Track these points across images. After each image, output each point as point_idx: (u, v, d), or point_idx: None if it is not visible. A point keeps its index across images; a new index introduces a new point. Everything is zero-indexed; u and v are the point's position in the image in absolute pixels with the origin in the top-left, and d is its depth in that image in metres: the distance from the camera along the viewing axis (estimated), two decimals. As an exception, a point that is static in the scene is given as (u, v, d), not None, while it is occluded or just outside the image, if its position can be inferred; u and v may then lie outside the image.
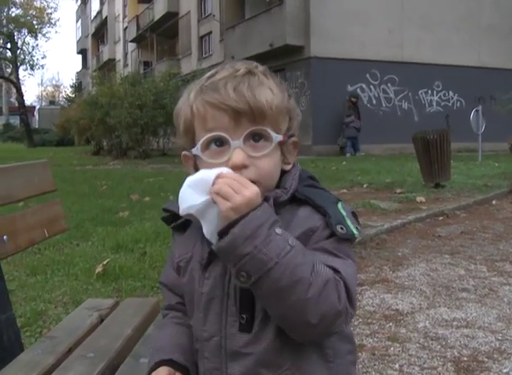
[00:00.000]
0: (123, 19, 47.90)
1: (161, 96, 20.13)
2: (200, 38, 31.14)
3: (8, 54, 48.98)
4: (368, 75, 21.24)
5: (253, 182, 1.06)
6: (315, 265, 1.08)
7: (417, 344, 3.55)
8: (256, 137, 1.12)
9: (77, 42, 69.97)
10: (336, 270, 1.12)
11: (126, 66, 47.22)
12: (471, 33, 22.16)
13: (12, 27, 49.12)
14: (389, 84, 21.66)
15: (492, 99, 20.12)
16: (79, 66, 74.30)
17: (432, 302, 4.37)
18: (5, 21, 48.54)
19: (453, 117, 21.23)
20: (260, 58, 22.84)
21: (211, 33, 29.42)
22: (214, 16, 28.26)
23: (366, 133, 20.88)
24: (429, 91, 22.40)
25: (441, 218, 7.75)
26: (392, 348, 3.50)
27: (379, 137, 20.95)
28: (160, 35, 38.25)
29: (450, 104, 22.64)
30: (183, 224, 1.24)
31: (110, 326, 2.15)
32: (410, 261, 5.59)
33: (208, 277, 1.15)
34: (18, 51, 48.27)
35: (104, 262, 4.87)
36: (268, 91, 1.15)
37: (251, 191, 1.04)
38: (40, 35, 52.87)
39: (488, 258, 5.66)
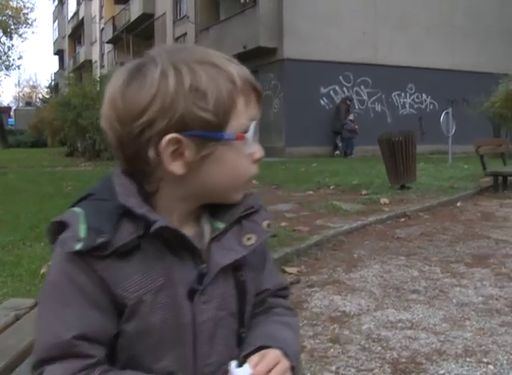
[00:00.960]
0: (100, 20, 47.58)
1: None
2: (176, 39, 31.00)
3: (-17, 54, 48.43)
4: (341, 77, 21.28)
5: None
6: None
7: (358, 346, 3.50)
8: None
9: (54, 43, 69.29)
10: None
11: (102, 67, 46.87)
12: (445, 35, 22.30)
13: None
14: (362, 86, 21.72)
15: (465, 102, 20.27)
16: (56, 67, 73.67)
17: (380, 304, 4.34)
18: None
19: (426, 120, 21.40)
20: (234, 59, 22.81)
21: (186, 34, 29.30)
22: (188, 17, 28.16)
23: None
24: (402, 94, 22.51)
25: (402, 219, 7.74)
26: (332, 350, 3.46)
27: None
28: (136, 36, 38.01)
29: (423, 106, 22.79)
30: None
31: (23, 326, 2.07)
32: (365, 262, 5.56)
33: (208, 301, 1.01)
34: (-7, 52, 47.67)
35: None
36: None
37: None
38: (16, 35, 52.31)
39: (444, 259, 5.65)
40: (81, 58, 54.47)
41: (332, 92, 21.34)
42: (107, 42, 44.56)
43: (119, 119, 0.94)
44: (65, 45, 62.67)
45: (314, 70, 20.49)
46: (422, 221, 7.72)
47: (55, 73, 70.35)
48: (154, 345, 0.98)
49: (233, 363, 0.99)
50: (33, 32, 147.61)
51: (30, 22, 59.03)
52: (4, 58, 50.27)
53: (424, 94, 22.68)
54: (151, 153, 0.94)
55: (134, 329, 0.96)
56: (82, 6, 52.79)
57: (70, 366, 0.92)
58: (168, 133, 0.92)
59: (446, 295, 4.50)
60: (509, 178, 11.05)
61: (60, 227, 0.96)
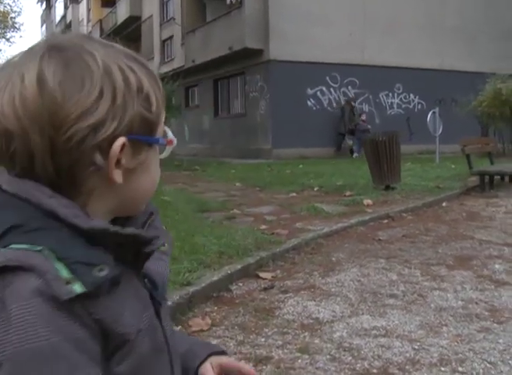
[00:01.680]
0: (87, 23, 47.24)
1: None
2: (163, 42, 30.78)
3: (-31, 59, 48.07)
4: (328, 78, 21.09)
5: None
6: None
7: (328, 356, 3.31)
8: None
9: (42, 47, 68.81)
10: None
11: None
12: (434, 36, 22.13)
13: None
14: (349, 87, 21.54)
15: (453, 101, 20.12)
16: (44, 72, 73.16)
17: (355, 310, 4.15)
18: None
19: (415, 119, 21.23)
20: (220, 61, 22.66)
21: (172, 37, 29.09)
22: (174, 19, 27.94)
23: (327, 136, 20.81)
24: (390, 94, 22.34)
25: (385, 221, 7.56)
26: (299, 361, 3.26)
27: (340, 140, 21.13)
28: (123, 39, 37.65)
29: (411, 106, 22.63)
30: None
31: None
32: (343, 266, 5.37)
33: (166, 315, 0.91)
34: (-22, 57, 47.34)
35: None
36: None
37: None
38: (3, 40, 51.87)
39: (425, 262, 5.47)
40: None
41: (319, 93, 21.16)
42: (94, 45, 44.23)
43: (54, 122, 0.74)
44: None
45: (301, 71, 20.31)
46: (405, 222, 7.55)
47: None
48: None
49: None
50: (20, 36, 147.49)
51: (17, 26, 58.86)
52: (-9, 63, 49.89)
53: (412, 94, 22.53)
54: (99, 160, 0.77)
55: (129, 367, 0.79)
56: (69, 10, 52.47)
57: None
58: (116, 137, 0.77)
59: (425, 300, 4.32)
60: (495, 177, 10.91)
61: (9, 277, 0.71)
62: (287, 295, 4.51)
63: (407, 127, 21.24)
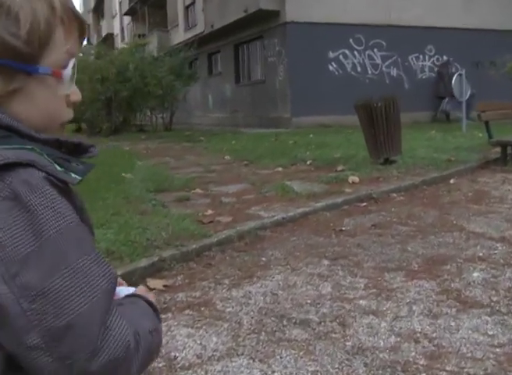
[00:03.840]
0: (119, -10, 46.16)
1: (126, 68, 18.48)
2: (186, 8, 29.33)
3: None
4: (351, 40, 19.26)
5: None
6: None
7: None
8: None
9: (80, 18, 68.45)
10: None
11: (123, 39, 45.68)
12: (467, -9, 20.06)
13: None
14: (375, 50, 19.65)
15: (492, 64, 18.17)
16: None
17: (235, 347, 2.86)
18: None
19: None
20: (238, 26, 21.14)
21: (194, 2, 27.62)
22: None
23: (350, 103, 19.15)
24: (421, 56, 20.30)
25: (363, 204, 6.16)
26: None
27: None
28: (151, 6, 36.54)
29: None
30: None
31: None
32: (270, 271, 4.06)
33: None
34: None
35: None
36: None
37: None
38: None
39: (381, 265, 4.11)
40: (104, 32, 53.46)
41: (341, 56, 19.38)
42: (124, 14, 43.19)
43: None
44: (90, 19, 61.64)
45: (321, 34, 18.60)
46: (389, 206, 6.13)
47: (82, 48, 69.57)
48: None
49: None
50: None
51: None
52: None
53: (445, 57, 20.46)
54: None
55: None
56: (101, -22, 51.46)
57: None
58: None
59: (343, 332, 2.99)
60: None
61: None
62: (164, 316, 3.24)
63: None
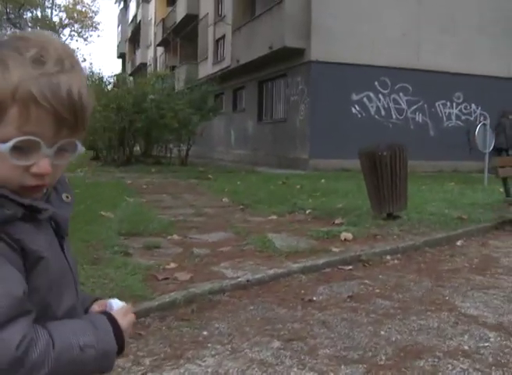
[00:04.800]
0: (155, 23, 46.67)
1: (143, 99, 18.13)
2: (216, 42, 29.21)
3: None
4: (376, 83, 18.69)
5: (43, 186, 1.01)
6: None
7: None
8: (67, 147, 1.00)
9: (117, 46, 69.43)
10: None
11: (155, 70, 45.97)
12: (499, 37, 19.25)
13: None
14: (401, 94, 19.02)
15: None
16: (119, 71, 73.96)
17: None
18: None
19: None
20: (263, 62, 20.80)
21: (225, 36, 27.47)
22: (224, 16, 26.30)
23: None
24: (448, 103, 19.60)
25: (349, 267, 5.44)
26: None
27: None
28: (183, 39, 36.65)
29: (472, 118, 19.75)
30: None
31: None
32: (203, 351, 3.36)
33: (68, 249, 1.13)
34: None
35: None
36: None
37: None
38: (81, 39, 52.63)
39: (340, 354, 3.39)
40: (138, 62, 54.02)
41: (365, 99, 18.79)
42: (157, 45, 43.53)
43: None
44: (126, 49, 62.45)
45: (346, 74, 18.10)
46: (376, 271, 5.40)
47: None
48: (57, 290, 1.06)
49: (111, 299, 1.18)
50: (98, 35, 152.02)
51: (95, 25, 59.79)
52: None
53: (473, 105, 19.74)
54: None
55: (44, 281, 1.01)
56: (140, 9, 52.16)
57: (25, 323, 0.93)
58: None
59: None
60: (542, 209, 8.48)
61: None
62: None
63: (466, 141, 18.59)
